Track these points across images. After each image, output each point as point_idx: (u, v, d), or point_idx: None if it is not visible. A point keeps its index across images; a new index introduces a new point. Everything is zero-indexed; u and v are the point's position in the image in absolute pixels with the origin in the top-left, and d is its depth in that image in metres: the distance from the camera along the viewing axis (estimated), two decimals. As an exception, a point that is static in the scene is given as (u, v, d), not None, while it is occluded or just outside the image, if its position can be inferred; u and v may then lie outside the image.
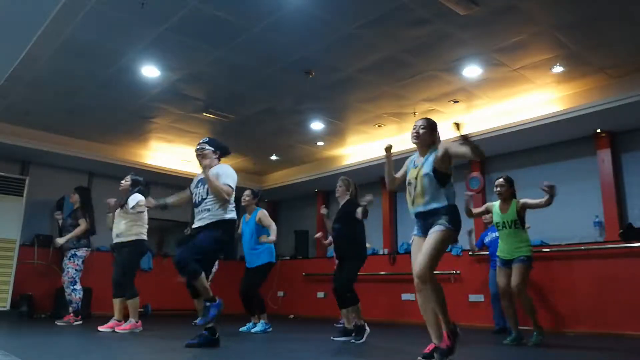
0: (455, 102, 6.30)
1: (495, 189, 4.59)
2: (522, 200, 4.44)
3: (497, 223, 4.57)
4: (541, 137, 6.59)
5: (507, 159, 7.31)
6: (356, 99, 6.26)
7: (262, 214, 5.38)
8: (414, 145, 3.26)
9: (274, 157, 8.86)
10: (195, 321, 3.68)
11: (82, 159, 7.94)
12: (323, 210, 5.11)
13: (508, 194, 4.52)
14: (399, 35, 4.68)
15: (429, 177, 3.02)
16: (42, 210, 7.96)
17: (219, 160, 3.99)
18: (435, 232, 2.93)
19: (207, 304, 3.64)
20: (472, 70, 5.42)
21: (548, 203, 4.25)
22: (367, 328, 4.44)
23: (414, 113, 6.58)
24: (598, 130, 6.28)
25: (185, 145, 8.20)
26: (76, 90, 6.00)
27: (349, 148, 8.29)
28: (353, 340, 4.34)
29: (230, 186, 3.76)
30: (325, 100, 6.33)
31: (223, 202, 3.73)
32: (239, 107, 6.60)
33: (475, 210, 4.69)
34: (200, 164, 3.88)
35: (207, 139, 4.01)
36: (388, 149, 3.31)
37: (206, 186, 3.78)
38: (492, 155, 7.42)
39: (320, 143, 8.06)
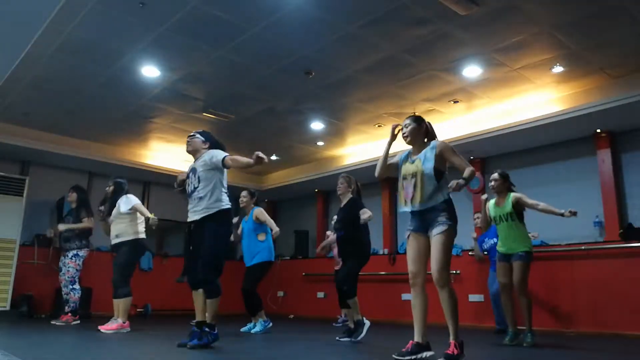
0: (455, 102, 6.30)
1: (489, 184, 4.61)
2: (519, 195, 4.44)
3: (494, 218, 4.57)
4: (541, 137, 6.59)
5: (507, 159, 7.31)
6: (356, 99, 6.26)
7: (259, 211, 5.38)
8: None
9: (274, 157, 8.85)
10: (193, 321, 3.68)
11: (82, 159, 7.95)
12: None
13: (503, 188, 4.51)
14: (399, 35, 4.69)
15: (429, 175, 3.03)
16: (42, 210, 7.96)
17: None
18: (440, 233, 2.95)
19: (207, 329, 3.57)
20: (472, 70, 5.42)
21: (546, 211, 4.32)
22: (366, 322, 4.41)
23: (414, 113, 6.55)
24: (598, 130, 6.28)
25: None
26: (76, 90, 6.00)
27: (349, 148, 8.29)
28: (352, 339, 4.34)
29: (225, 153, 3.78)
30: (325, 100, 6.33)
31: (213, 189, 3.68)
32: (239, 107, 6.60)
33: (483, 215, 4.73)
34: (187, 151, 3.97)
35: (202, 131, 4.03)
36: (395, 128, 3.38)
37: (197, 174, 3.74)
38: (492, 155, 7.44)
39: (320, 143, 8.06)
